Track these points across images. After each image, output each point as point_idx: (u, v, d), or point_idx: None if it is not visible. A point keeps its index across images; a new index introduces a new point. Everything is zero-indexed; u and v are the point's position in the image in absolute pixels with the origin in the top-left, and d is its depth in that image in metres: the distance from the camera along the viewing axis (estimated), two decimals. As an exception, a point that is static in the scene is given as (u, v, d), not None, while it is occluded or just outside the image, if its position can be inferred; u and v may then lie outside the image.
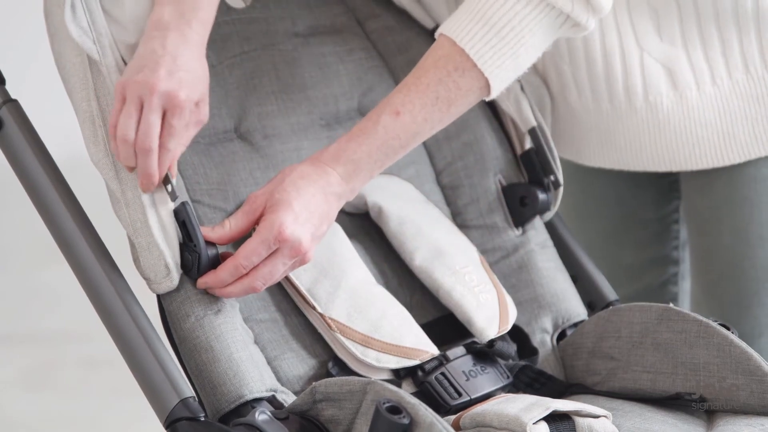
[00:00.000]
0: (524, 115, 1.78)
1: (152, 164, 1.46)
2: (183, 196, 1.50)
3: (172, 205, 1.48)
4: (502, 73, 1.55)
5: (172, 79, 1.45)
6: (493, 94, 1.57)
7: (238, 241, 1.53)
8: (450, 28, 1.56)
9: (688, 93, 1.75)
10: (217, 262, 1.49)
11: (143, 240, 1.47)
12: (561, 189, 1.78)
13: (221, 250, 1.52)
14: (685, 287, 2.03)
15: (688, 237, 1.92)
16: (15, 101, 1.56)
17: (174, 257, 1.47)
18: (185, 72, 1.46)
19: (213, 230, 1.52)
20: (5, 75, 1.58)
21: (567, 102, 1.85)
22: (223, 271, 1.48)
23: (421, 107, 1.55)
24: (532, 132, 1.77)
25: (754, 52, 1.73)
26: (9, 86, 1.58)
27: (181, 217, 1.48)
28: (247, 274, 1.49)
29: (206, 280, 1.49)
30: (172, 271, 1.47)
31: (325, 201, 1.53)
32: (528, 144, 1.78)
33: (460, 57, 1.55)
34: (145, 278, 1.49)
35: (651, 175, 1.92)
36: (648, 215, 1.99)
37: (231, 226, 1.52)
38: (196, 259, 1.48)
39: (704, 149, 1.78)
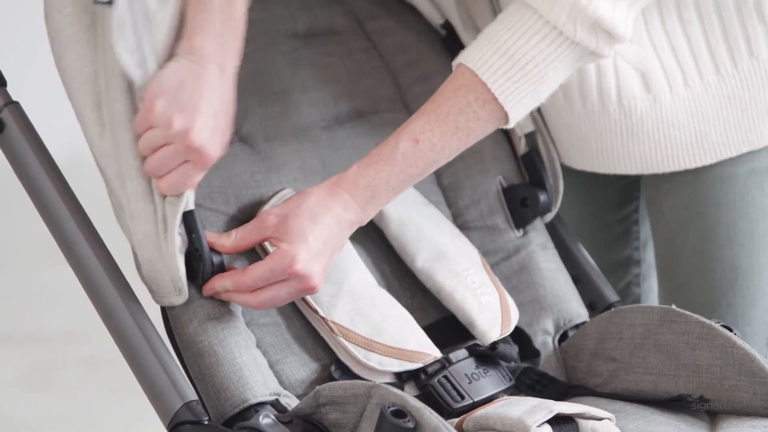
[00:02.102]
0: (521, 120, 1.77)
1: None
2: (189, 204, 1.49)
3: (180, 231, 1.47)
4: (522, 107, 1.56)
5: (205, 132, 1.44)
6: (511, 125, 1.57)
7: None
8: (471, 58, 1.55)
9: (661, 96, 1.74)
10: (221, 269, 1.49)
11: (145, 253, 1.47)
12: (561, 190, 1.78)
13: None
14: (647, 287, 2.03)
15: (653, 240, 1.90)
16: (16, 103, 1.56)
17: (179, 279, 1.47)
18: (216, 123, 1.45)
19: (219, 237, 1.52)
20: (5, 76, 1.58)
21: None
22: (227, 280, 1.49)
23: (441, 136, 1.55)
24: (529, 136, 1.77)
25: (722, 51, 1.72)
26: (9, 87, 1.58)
27: (187, 224, 1.47)
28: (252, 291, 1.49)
29: (213, 286, 1.49)
30: (182, 290, 1.47)
31: (339, 230, 1.53)
32: (525, 146, 1.78)
33: (482, 89, 1.54)
34: (148, 289, 1.49)
35: (613, 175, 1.91)
36: (609, 217, 1.99)
37: (237, 238, 1.53)
38: (201, 267, 1.48)
39: (677, 151, 1.76)
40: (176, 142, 1.43)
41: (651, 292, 2.03)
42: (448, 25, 1.81)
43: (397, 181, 1.55)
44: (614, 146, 1.78)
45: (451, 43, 1.80)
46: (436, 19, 1.81)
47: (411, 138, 1.55)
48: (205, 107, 1.44)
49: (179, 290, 1.47)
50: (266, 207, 1.61)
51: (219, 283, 1.49)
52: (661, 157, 1.77)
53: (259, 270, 1.48)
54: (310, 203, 1.52)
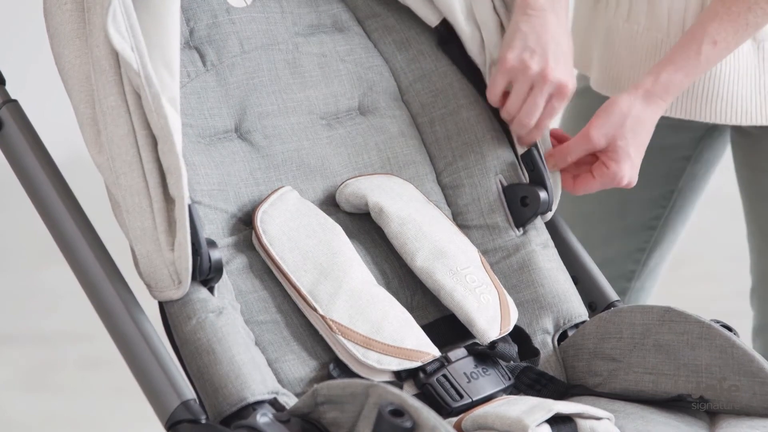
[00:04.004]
0: None
1: (523, 132, 1.73)
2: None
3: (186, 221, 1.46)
4: None
5: (560, 69, 1.68)
6: None
7: (243, 242, 1.54)
8: None
9: (765, 46, 1.85)
10: (220, 266, 1.49)
11: (142, 248, 1.47)
12: (559, 190, 1.78)
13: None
14: (637, 286, 2.12)
15: (746, 217, 2.02)
16: (15, 101, 1.56)
17: (183, 270, 1.46)
18: (565, 58, 1.68)
19: (555, 161, 1.75)
20: (5, 75, 1.58)
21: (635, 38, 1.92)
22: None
23: (734, 34, 1.73)
24: None
25: None
26: (9, 86, 1.58)
27: None
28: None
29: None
30: (183, 283, 1.46)
31: (651, 133, 1.75)
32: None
33: None
34: (145, 284, 1.49)
35: (652, 178, 1.97)
36: (635, 215, 2.07)
37: (571, 159, 1.75)
38: (198, 263, 1.47)
39: None
40: (538, 82, 1.67)
41: (642, 290, 2.12)
42: (444, 24, 1.80)
43: (696, 78, 1.78)
44: (719, 91, 1.88)
45: (446, 44, 1.80)
46: (432, 20, 1.81)
47: (710, 41, 1.74)
48: (552, 48, 1.67)
49: (179, 282, 1.46)
50: (265, 205, 1.61)
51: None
52: (760, 107, 1.88)
53: (591, 186, 1.76)
54: (633, 120, 1.73)
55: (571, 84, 1.68)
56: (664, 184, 2.07)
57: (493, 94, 1.73)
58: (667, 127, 1.93)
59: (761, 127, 1.93)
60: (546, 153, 1.77)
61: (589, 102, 1.87)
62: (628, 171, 1.74)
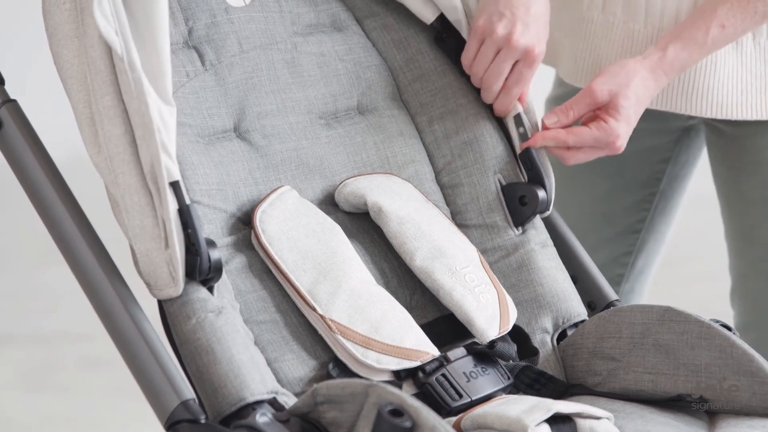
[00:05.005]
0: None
1: (490, 99, 1.74)
2: (185, 198, 1.49)
3: (175, 215, 1.46)
4: None
5: (528, 34, 1.68)
6: None
7: (243, 241, 1.54)
8: None
9: (743, 41, 1.86)
10: (219, 265, 1.49)
11: (142, 246, 1.47)
12: (553, 184, 1.78)
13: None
14: (626, 289, 2.13)
15: (723, 216, 2.01)
16: (14, 101, 1.56)
17: (177, 266, 1.46)
18: (536, 24, 1.69)
19: (557, 117, 1.73)
20: (5, 75, 1.58)
21: (611, 34, 1.92)
22: (549, 140, 1.72)
23: (742, 20, 1.76)
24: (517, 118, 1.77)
25: None
26: (9, 86, 1.58)
27: (183, 219, 1.47)
28: (568, 148, 1.73)
29: (536, 141, 1.73)
30: (178, 280, 1.46)
31: (647, 104, 1.76)
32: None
33: None
34: (145, 283, 1.49)
35: (633, 182, 2.00)
36: (620, 220, 2.07)
37: (574, 115, 1.74)
38: (197, 263, 1.47)
39: (755, 98, 1.89)
40: (503, 47, 1.68)
41: (632, 293, 2.12)
42: (439, 21, 1.80)
43: (699, 60, 1.80)
44: (696, 83, 1.89)
45: (443, 41, 1.80)
46: (428, 17, 1.80)
47: (719, 23, 1.77)
48: (522, 12, 1.68)
49: (176, 279, 1.46)
50: (264, 204, 1.61)
51: (541, 141, 1.73)
52: (737, 102, 1.89)
53: (584, 136, 1.72)
54: (637, 84, 1.74)
55: (538, 49, 1.68)
56: (645, 188, 2.07)
57: (466, 59, 1.74)
58: (644, 130, 1.93)
59: (736, 126, 1.93)
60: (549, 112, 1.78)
61: None
62: (624, 132, 1.72)
